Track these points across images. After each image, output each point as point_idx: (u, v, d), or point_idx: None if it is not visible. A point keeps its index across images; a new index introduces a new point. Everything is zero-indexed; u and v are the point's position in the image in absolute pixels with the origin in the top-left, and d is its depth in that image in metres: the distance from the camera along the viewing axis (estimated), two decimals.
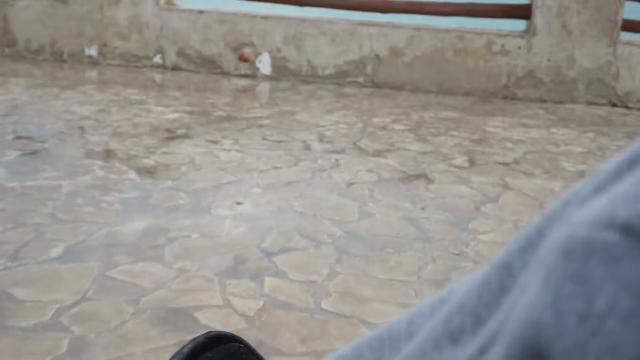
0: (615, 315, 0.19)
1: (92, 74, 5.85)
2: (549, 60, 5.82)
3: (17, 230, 2.70)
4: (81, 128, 4.18)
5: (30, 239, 2.64)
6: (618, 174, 0.23)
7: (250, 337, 2.06)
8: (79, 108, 4.66)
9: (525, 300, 0.22)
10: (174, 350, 1.89)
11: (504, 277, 0.27)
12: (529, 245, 0.26)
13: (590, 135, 4.97)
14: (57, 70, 5.84)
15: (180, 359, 0.53)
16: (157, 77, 5.89)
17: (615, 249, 0.19)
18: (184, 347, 0.54)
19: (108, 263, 2.48)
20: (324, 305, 2.35)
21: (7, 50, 6.25)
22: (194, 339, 0.55)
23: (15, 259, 2.48)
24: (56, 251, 2.56)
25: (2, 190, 3.12)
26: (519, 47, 5.82)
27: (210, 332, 0.56)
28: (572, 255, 0.20)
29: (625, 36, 5.81)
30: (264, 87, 5.83)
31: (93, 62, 6.17)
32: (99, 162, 3.58)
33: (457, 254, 2.82)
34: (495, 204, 3.43)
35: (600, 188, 0.23)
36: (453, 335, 0.30)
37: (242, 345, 0.56)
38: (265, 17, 6.02)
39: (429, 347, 0.33)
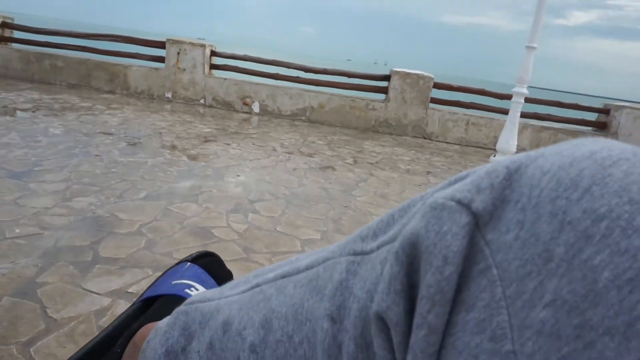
0: (445, 233, 0.18)
1: (168, 106, 5.77)
2: (395, 114, 6.06)
3: (122, 183, 2.74)
4: (160, 133, 4.22)
5: (128, 187, 2.67)
6: (453, 181, 0.21)
7: (239, 242, 2.15)
8: (159, 123, 4.67)
9: (410, 225, 0.20)
10: (202, 247, 2.01)
11: (390, 220, 0.22)
12: (405, 207, 0.22)
13: (413, 151, 5.10)
14: (149, 104, 5.80)
15: (187, 260, 0.44)
16: (201, 110, 5.84)
17: (450, 208, 0.19)
18: (187, 257, 0.45)
19: (169, 202, 2.52)
20: (278, 228, 2.38)
21: (125, 92, 6.24)
22: (191, 254, 0.46)
23: (120, 197, 2.50)
24: (142, 194, 2.59)
25: (116, 162, 3.14)
26: (381, 107, 6.06)
27: (199, 251, 0.46)
28: (434, 207, 0.19)
29: (432, 105, 6.08)
30: (255, 119, 5.81)
31: (169, 101, 6.16)
32: (168, 151, 3.63)
33: (345, 206, 2.87)
34: (365, 183, 3.48)
35: (450, 184, 0.21)
36: (360, 238, 0.24)
37: (216, 257, 0.46)
38: (257, 84, 6.16)
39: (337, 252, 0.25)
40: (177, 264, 0.47)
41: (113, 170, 3.00)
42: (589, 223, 0.16)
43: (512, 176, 0.19)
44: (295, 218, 2.60)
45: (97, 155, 3.29)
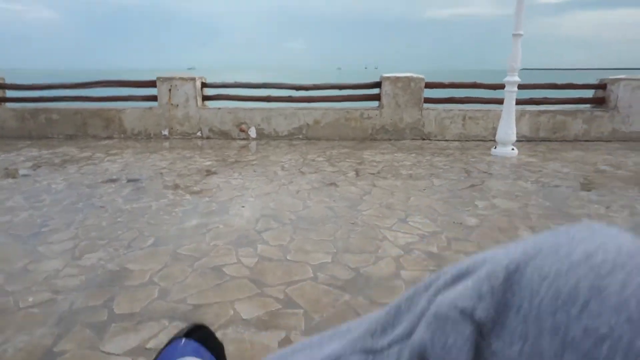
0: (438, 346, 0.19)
1: (166, 144, 5.80)
2: (391, 119, 6.07)
3: (129, 232, 2.72)
4: (161, 173, 4.22)
5: (135, 236, 2.65)
6: (456, 277, 0.22)
7: (252, 278, 2.13)
8: (159, 163, 4.64)
9: (417, 335, 0.21)
10: (216, 289, 2.00)
11: (397, 312, 0.23)
12: (411, 297, 0.23)
13: (413, 155, 5.07)
14: (148, 144, 5.80)
15: (180, 336, 0.40)
16: (199, 143, 5.86)
17: (454, 319, 0.20)
18: (179, 333, 0.42)
19: (177, 245, 2.50)
20: (288, 257, 2.35)
21: (122, 135, 6.33)
22: (182, 329, 0.41)
23: (128, 247, 2.49)
24: (150, 241, 2.57)
25: (121, 210, 3.12)
26: (376, 115, 6.08)
27: (189, 324, 0.42)
28: (438, 318, 0.20)
29: (426, 105, 6.11)
30: (253, 144, 5.80)
31: (166, 138, 6.20)
32: (171, 191, 3.63)
33: (353, 223, 2.84)
34: (370, 195, 3.44)
35: (453, 282, 0.22)
36: (370, 334, 0.25)
37: (207, 330, 0.42)
38: (251, 109, 6.20)
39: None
40: (171, 340, 0.48)
41: (119, 219, 3.01)
42: (591, 345, 0.17)
43: (511, 277, 0.20)
44: (304, 243, 2.59)
45: (101, 206, 3.30)
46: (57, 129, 6.43)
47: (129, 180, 4.00)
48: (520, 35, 4.83)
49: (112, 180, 4.03)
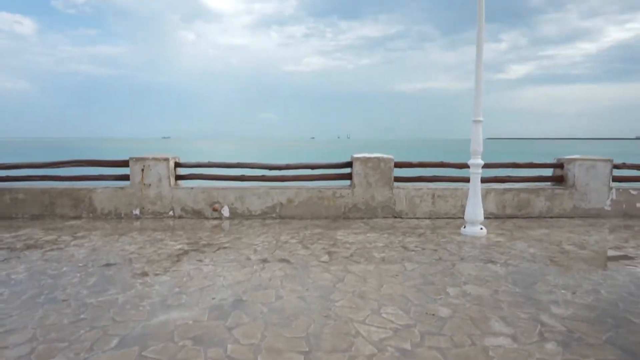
0: None
1: (137, 224, 5.76)
2: (363, 198, 6.19)
3: (92, 332, 2.63)
4: (130, 260, 4.10)
5: (99, 336, 2.56)
6: None
7: None
8: (129, 247, 4.56)
9: None
10: None
11: None
12: None
13: (385, 235, 5.10)
14: (117, 224, 5.72)
15: None
16: (171, 223, 5.83)
17: None
18: None
19: (143, 346, 2.44)
20: (259, 359, 2.33)
21: (91, 215, 6.21)
22: None
23: (91, 350, 2.41)
24: (114, 342, 2.50)
25: (85, 305, 3.03)
26: (348, 193, 6.20)
27: None
28: None
29: (396, 184, 6.28)
30: (226, 224, 5.78)
31: (137, 218, 6.17)
32: (139, 281, 3.53)
33: (326, 316, 2.82)
34: (342, 282, 3.44)
35: None
36: None
37: None
38: (225, 188, 6.24)
39: None
40: None
41: (82, 316, 2.89)
42: None
43: None
44: (276, 340, 2.55)
45: (64, 300, 3.18)
46: (22, 209, 6.28)
47: (95, 268, 3.91)
48: (480, 121, 5.17)
49: (78, 269, 3.89)
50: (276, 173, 6.42)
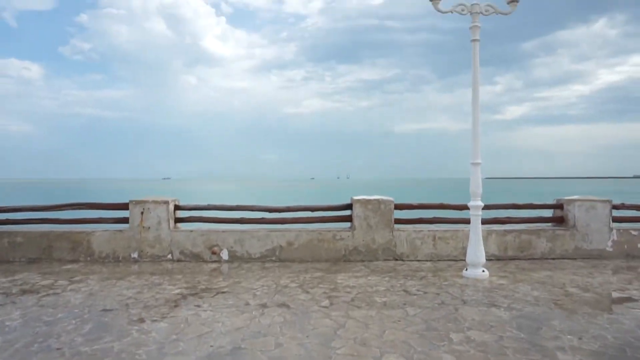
0: None
1: (135, 267, 5.71)
2: (363, 240, 6.17)
3: None
4: (127, 305, 4.05)
5: None
6: None
7: None
8: (126, 292, 4.51)
9: None
10: None
11: None
12: None
13: (386, 278, 5.06)
14: (115, 268, 5.67)
15: None
16: (169, 266, 5.78)
17: None
18: None
19: None
20: None
21: (89, 258, 6.16)
22: None
23: None
24: None
25: (80, 354, 2.96)
26: (348, 236, 6.19)
27: None
28: None
29: (397, 226, 6.26)
30: (225, 267, 5.75)
31: (135, 261, 6.11)
32: (136, 327, 3.47)
33: None
34: (344, 329, 3.39)
35: None
36: None
37: None
38: (224, 231, 6.23)
39: None
40: None
41: None
42: None
43: None
44: None
45: (58, 348, 3.11)
46: (20, 252, 6.24)
47: (91, 314, 3.84)
48: (479, 163, 5.24)
49: (74, 316, 3.82)
50: (276, 215, 6.42)
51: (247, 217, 6.37)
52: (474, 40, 5.20)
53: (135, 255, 6.20)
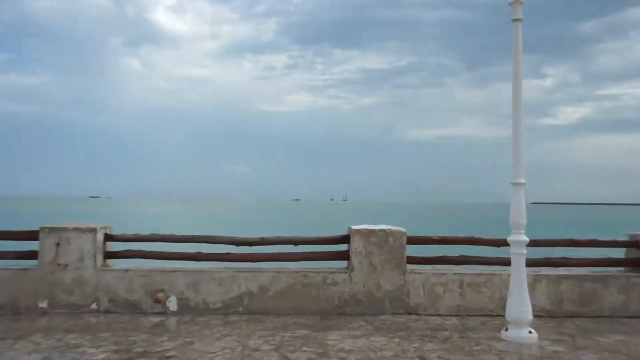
0: None
1: (42, 322, 5.57)
2: (364, 286, 6.10)
3: None
4: None
5: None
6: None
7: None
8: (27, 358, 4.34)
9: None
10: None
11: None
12: None
13: (396, 340, 5.02)
14: (14, 323, 5.51)
15: None
16: (93, 320, 5.66)
17: None
18: None
19: None
20: None
21: None
22: None
23: None
24: None
25: None
26: (344, 279, 6.12)
27: None
28: None
29: (410, 267, 6.20)
30: (172, 322, 5.66)
31: (44, 313, 5.95)
32: None
33: None
34: None
35: None
36: None
37: None
38: (173, 271, 6.13)
39: None
40: None
41: None
42: None
43: None
44: None
45: None
46: None
47: None
48: (522, 184, 5.20)
49: None
50: (246, 250, 6.35)
51: (206, 251, 6.32)
52: (515, 20, 5.21)
53: (44, 304, 6.05)
